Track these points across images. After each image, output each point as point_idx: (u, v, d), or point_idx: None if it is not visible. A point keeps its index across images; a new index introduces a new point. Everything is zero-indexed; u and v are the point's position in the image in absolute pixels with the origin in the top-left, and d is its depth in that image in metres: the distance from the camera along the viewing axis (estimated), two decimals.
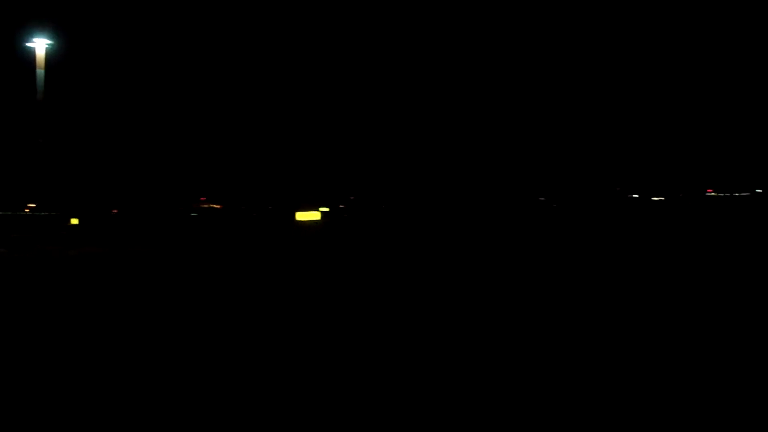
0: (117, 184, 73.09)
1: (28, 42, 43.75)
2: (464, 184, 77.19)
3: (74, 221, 33.42)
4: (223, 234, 25.38)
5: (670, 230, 23.84)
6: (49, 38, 43.91)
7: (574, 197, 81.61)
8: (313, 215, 25.92)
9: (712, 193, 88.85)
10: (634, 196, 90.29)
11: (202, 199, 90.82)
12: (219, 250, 17.50)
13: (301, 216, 25.76)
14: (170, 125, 76.91)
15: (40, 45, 43.25)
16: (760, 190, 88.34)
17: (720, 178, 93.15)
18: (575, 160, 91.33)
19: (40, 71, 43.32)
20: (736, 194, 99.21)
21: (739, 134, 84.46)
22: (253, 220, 35.98)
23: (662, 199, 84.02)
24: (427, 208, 54.85)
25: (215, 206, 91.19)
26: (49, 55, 44.69)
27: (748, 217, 33.66)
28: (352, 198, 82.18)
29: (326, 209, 55.24)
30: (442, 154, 77.05)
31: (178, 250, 17.71)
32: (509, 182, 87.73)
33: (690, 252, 14.82)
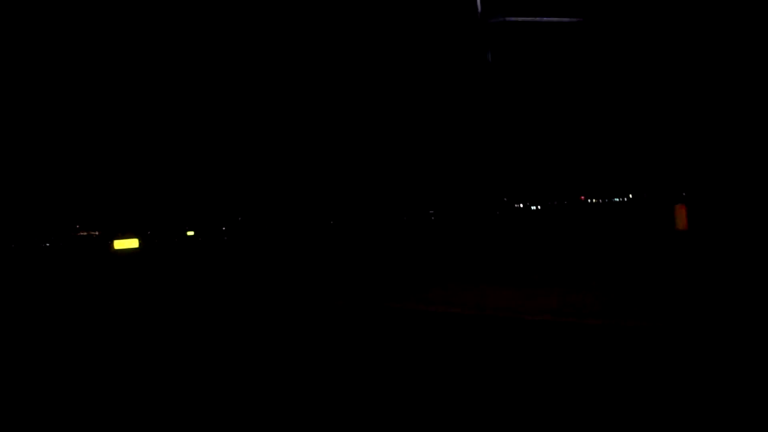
0: None
1: None
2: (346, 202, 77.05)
3: None
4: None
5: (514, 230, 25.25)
6: None
7: (462, 209, 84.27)
8: (131, 243, 24.63)
9: (585, 200, 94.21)
10: (519, 205, 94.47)
11: (77, 226, 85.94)
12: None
13: (119, 244, 24.41)
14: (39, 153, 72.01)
15: None
16: (631, 196, 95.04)
17: (597, 186, 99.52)
18: (468, 175, 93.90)
19: None
20: (616, 200, 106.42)
21: (616, 146, 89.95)
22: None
23: (539, 207, 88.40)
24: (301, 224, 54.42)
25: (93, 233, 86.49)
26: None
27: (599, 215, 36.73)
28: (240, 219, 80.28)
29: (193, 232, 53.52)
30: (322, 168, 76.48)
31: None
32: (401, 198, 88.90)
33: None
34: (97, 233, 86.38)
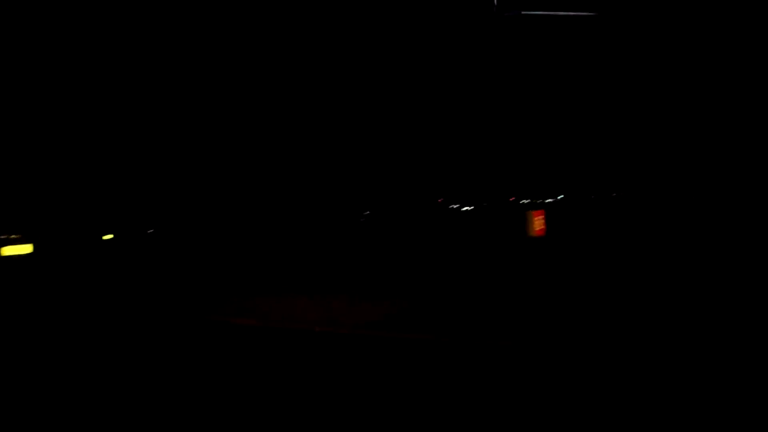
0: None
1: None
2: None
3: None
4: None
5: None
6: None
7: (395, 209, 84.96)
8: (23, 249, 23.75)
9: (515, 201, 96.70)
10: (455, 206, 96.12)
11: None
12: None
13: (8, 250, 23.47)
14: None
15: None
16: (562, 196, 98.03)
17: (533, 186, 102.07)
18: (405, 176, 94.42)
19: None
20: (549, 200, 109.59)
21: (551, 147, 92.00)
22: None
23: (471, 207, 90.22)
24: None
25: (14, 237, 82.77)
26: None
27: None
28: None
29: (111, 236, 51.85)
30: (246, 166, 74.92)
31: None
32: (333, 199, 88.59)
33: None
34: (18, 236, 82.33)
